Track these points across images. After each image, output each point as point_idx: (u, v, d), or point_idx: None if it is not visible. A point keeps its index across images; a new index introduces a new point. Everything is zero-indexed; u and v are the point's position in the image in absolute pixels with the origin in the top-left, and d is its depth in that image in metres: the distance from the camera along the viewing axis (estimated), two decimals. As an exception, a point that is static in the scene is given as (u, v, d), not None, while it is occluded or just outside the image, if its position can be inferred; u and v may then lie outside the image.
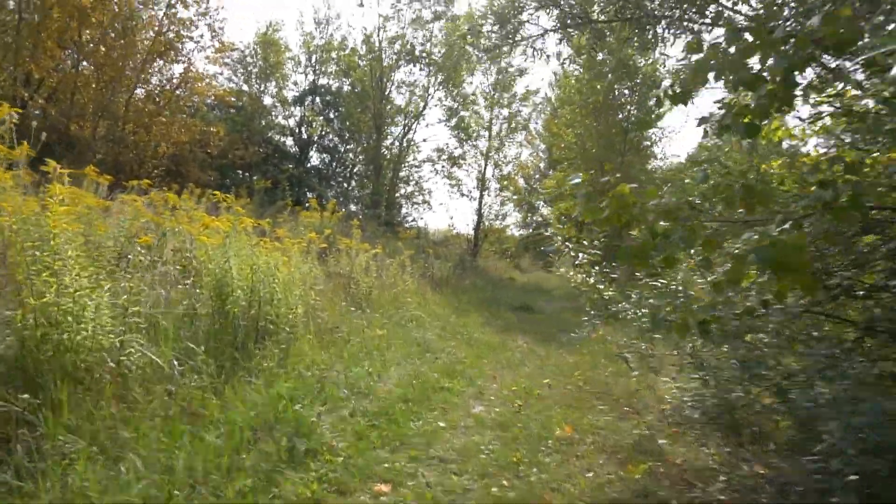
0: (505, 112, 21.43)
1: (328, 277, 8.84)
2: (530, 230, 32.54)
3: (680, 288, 4.01)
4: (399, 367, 5.90)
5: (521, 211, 29.35)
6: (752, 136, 3.10)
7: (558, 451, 4.35)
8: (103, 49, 17.21)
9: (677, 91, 3.44)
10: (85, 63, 17.53)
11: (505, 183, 21.88)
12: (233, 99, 23.13)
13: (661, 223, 3.27)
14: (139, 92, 18.22)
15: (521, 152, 24.24)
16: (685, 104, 3.53)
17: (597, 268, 4.87)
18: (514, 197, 24.25)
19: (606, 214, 3.11)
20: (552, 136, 18.93)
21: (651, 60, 16.68)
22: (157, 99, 18.83)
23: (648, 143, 16.98)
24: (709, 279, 3.39)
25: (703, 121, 3.52)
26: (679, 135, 58.95)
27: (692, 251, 3.30)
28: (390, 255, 11.34)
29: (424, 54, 22.83)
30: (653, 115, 16.76)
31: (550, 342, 9.40)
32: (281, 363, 4.82)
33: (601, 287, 4.80)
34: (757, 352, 3.52)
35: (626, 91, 16.64)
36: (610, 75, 16.81)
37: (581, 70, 17.34)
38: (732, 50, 3.06)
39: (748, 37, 3.02)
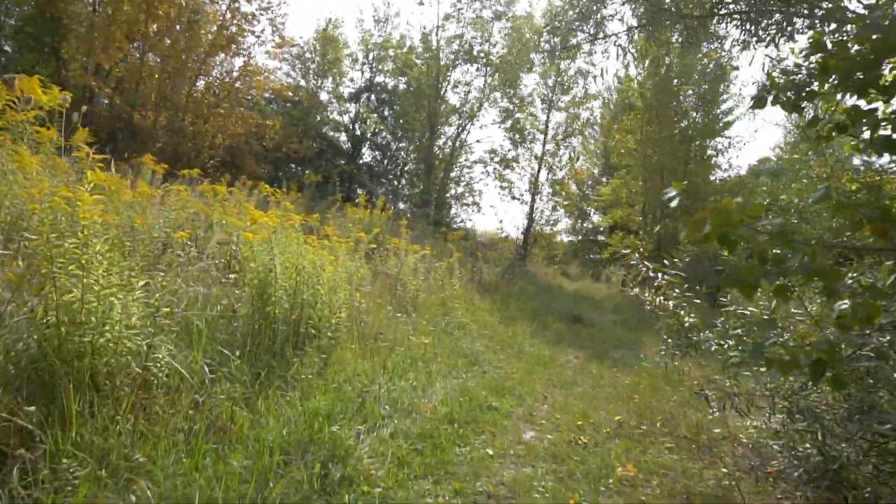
0: (562, 115, 20.81)
1: (374, 278, 8.50)
2: (580, 237, 31.78)
3: (781, 319, 3.45)
4: (445, 381, 5.46)
5: (572, 217, 28.61)
6: (892, 152, 2.58)
7: (620, 492, 3.85)
8: (168, 41, 17.40)
9: (789, 95, 2.94)
10: (151, 55, 17.74)
11: (558, 187, 21.22)
12: (290, 94, 23.18)
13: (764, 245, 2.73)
14: (200, 84, 18.36)
15: (577, 157, 23.45)
16: (799, 112, 3.03)
17: (677, 290, 4.31)
18: (566, 203, 23.57)
19: (706, 232, 2.61)
20: (612, 142, 18.22)
21: (717, 63, 15.84)
22: (217, 91, 18.94)
23: (713, 152, 16.12)
24: (823, 312, 2.83)
25: (812, 123, 3.01)
26: (748, 145, 56.81)
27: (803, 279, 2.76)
28: (438, 257, 10.94)
29: (482, 54, 22.40)
30: (720, 124, 15.91)
31: (603, 359, 8.82)
32: (320, 373, 4.44)
33: (681, 313, 4.25)
34: (877, 401, 2.94)
35: (692, 96, 15.83)
36: (675, 80, 16.04)
37: (643, 74, 16.62)
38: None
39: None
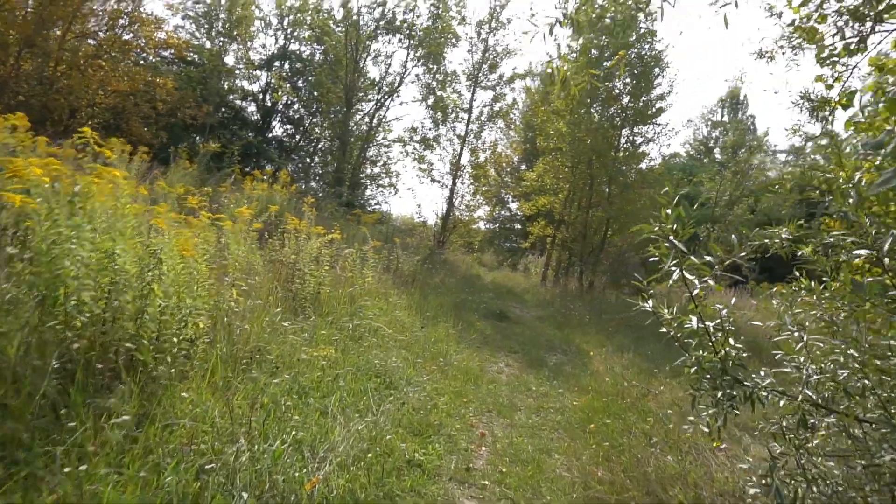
0: (488, 94, 19.29)
1: (267, 267, 6.61)
2: (497, 224, 30.69)
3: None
4: (347, 425, 3.71)
5: (490, 204, 27.36)
6: None
7: None
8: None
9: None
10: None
11: (480, 171, 19.75)
12: (191, 53, 20.42)
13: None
14: (76, 28, 15.38)
15: (500, 140, 22.08)
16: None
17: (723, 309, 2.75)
18: (485, 189, 22.16)
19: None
20: (539, 124, 16.93)
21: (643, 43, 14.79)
22: (98, 40, 16.02)
23: (643, 139, 15.14)
24: None
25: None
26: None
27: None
28: (349, 242, 9.13)
29: (406, 25, 20.51)
30: (653, 109, 14.87)
31: (540, 368, 7.35)
32: (130, 437, 2.58)
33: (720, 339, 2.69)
34: None
35: (628, 79, 14.70)
36: (607, 62, 14.82)
37: (578, 53, 15.31)
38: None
39: None
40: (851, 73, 5.27)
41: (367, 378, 4.86)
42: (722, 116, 37.13)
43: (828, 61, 5.29)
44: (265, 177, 12.20)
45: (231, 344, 4.16)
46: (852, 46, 5.16)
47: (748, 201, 15.60)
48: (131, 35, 16.57)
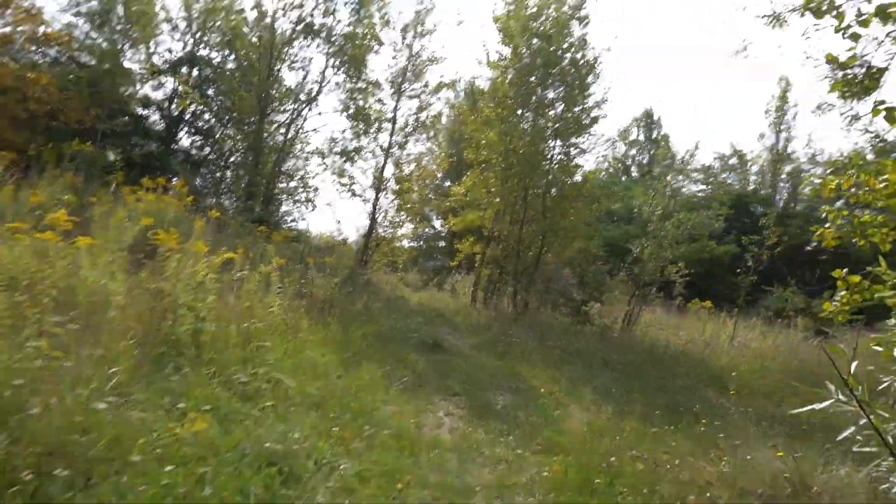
0: (413, 103, 17.82)
1: (133, 299, 4.81)
2: (421, 242, 29.32)
3: None
4: None
5: (414, 221, 25.85)
6: None
7: None
8: None
9: None
10: None
11: (406, 185, 18.21)
12: (84, 54, 17.89)
13: None
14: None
15: (425, 153, 20.65)
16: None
17: None
18: (409, 206, 20.59)
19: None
20: (469, 134, 15.67)
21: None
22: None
23: (577, 150, 14.10)
24: None
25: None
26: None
27: None
28: (253, 263, 7.35)
29: (325, 29, 18.80)
30: (588, 119, 13.86)
31: (489, 416, 5.85)
32: None
33: None
34: None
35: (558, 86, 13.65)
36: (539, 70, 13.76)
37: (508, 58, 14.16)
38: None
39: None
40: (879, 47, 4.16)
41: (255, 470, 3.17)
42: (637, 135, 37.45)
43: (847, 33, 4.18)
44: (156, 187, 10.21)
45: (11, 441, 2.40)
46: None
47: (679, 216, 14.84)
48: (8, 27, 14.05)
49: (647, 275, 14.98)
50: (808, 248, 26.11)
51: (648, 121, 36.24)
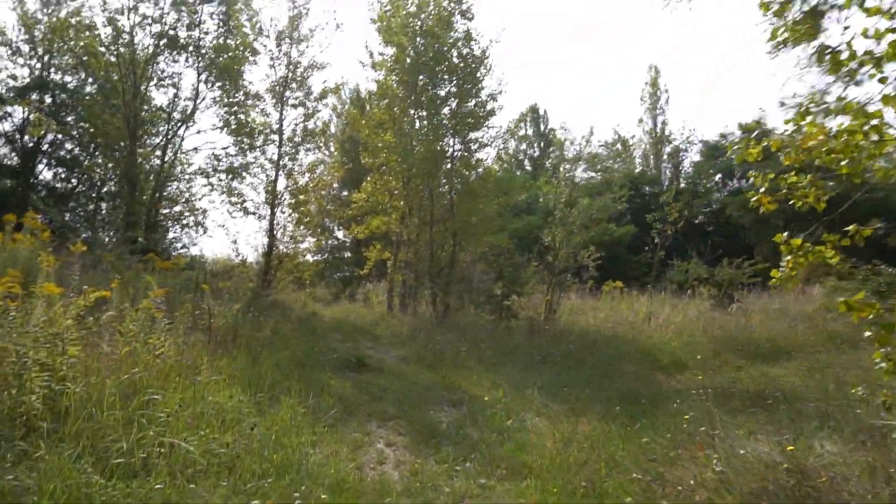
0: (299, 112, 16.56)
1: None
2: (326, 255, 27.94)
3: None
4: None
5: (316, 234, 24.46)
6: None
7: None
8: None
9: None
10: None
11: (303, 196, 16.93)
12: None
13: None
14: None
15: (318, 162, 19.38)
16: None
17: None
18: (307, 219, 19.27)
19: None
20: (365, 138, 14.73)
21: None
22: None
23: (476, 146, 13.57)
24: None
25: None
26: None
27: None
28: (136, 299, 6.07)
29: (191, 42, 17.15)
30: (483, 112, 13.35)
31: (436, 441, 5.01)
32: None
33: None
34: None
35: (454, 80, 13.05)
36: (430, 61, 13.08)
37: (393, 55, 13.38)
38: None
39: None
40: None
41: None
42: (526, 130, 37.95)
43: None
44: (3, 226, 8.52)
45: None
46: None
47: (583, 202, 14.71)
48: None
49: (561, 262, 14.73)
50: (695, 221, 27.44)
51: (535, 115, 36.82)
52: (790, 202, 4.80)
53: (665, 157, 32.00)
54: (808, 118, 3.96)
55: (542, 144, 36.59)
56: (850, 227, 3.99)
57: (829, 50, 3.81)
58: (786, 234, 4.43)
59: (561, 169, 18.28)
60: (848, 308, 3.81)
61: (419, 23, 13.37)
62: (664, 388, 6.91)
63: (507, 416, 5.63)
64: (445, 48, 13.14)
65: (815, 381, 7.08)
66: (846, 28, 3.48)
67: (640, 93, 33.06)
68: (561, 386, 6.83)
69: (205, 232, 19.23)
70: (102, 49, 17.47)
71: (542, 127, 37.24)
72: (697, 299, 17.59)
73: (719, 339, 10.58)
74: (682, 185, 29.81)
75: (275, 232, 16.74)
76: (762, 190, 4.80)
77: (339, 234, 27.87)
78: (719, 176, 29.40)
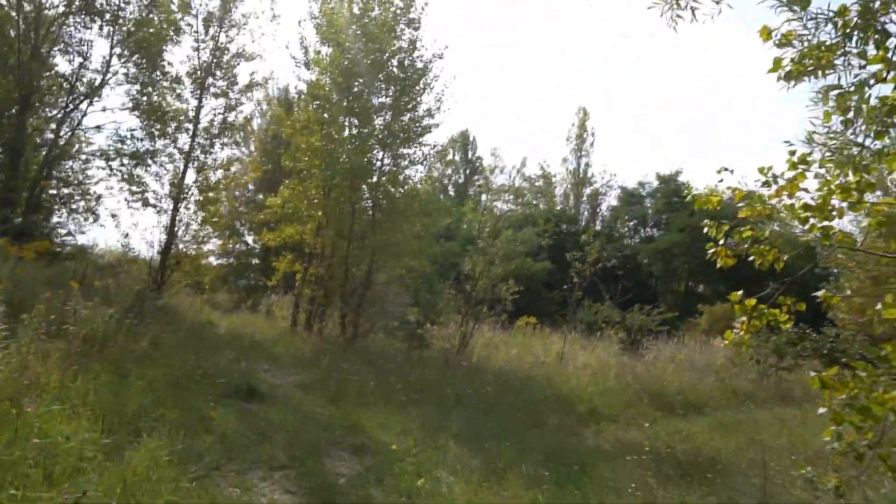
0: (220, 102, 15.18)
1: None
2: (231, 259, 26.13)
3: None
4: None
5: (223, 237, 22.70)
6: None
7: None
8: None
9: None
10: None
11: (212, 195, 15.46)
12: None
13: None
14: None
15: (235, 159, 17.92)
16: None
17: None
18: (215, 219, 17.71)
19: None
20: (287, 138, 13.64)
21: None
22: None
23: (407, 162, 12.79)
24: None
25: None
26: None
27: None
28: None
29: (109, 9, 15.44)
30: (419, 127, 12.65)
31: (335, 501, 4.10)
32: None
33: None
34: None
35: (391, 90, 12.27)
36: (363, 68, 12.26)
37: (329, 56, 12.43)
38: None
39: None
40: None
41: None
42: (454, 156, 37.76)
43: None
44: None
45: None
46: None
47: (507, 233, 14.33)
48: None
49: (479, 292, 14.17)
50: (608, 264, 27.92)
51: (465, 141, 36.70)
52: (749, 258, 4.28)
53: (585, 197, 32.61)
54: (801, 167, 3.49)
55: (468, 171, 36.47)
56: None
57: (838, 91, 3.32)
58: (740, 292, 3.94)
59: (486, 196, 17.92)
60: (822, 385, 3.32)
61: (364, 23, 12.55)
62: (589, 444, 6.34)
63: (418, 473, 4.80)
64: (387, 55, 12.37)
65: (737, 444, 6.77)
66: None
67: (567, 133, 33.75)
68: (478, 435, 6.09)
69: (95, 220, 17.22)
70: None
71: (469, 154, 37.16)
72: (606, 341, 17.58)
73: (632, 388, 10.27)
74: (598, 227, 30.41)
75: (176, 229, 15.15)
76: (721, 243, 4.27)
77: (249, 239, 26.18)
78: (633, 222, 30.33)
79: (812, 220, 3.56)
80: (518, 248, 15.05)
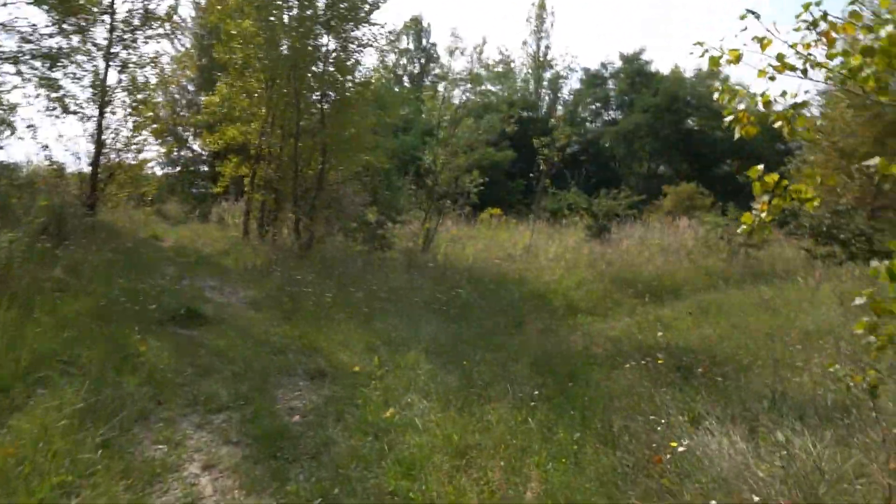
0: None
1: None
2: (178, 168, 24.34)
3: None
4: None
5: (165, 144, 20.79)
6: None
7: None
8: None
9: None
10: None
11: (141, 97, 13.65)
12: None
13: None
14: None
15: (163, 54, 15.83)
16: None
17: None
18: (153, 126, 15.86)
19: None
20: (215, 24, 11.89)
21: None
22: None
23: (355, 44, 11.25)
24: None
25: None
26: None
27: None
28: None
29: None
30: (366, 6, 11.03)
31: (287, 449, 3.38)
32: None
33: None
34: None
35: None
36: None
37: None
38: None
39: None
40: None
41: None
42: (408, 43, 35.21)
43: None
44: None
45: None
46: None
47: (468, 121, 13.22)
48: None
49: (441, 186, 13.24)
50: (572, 150, 27.03)
51: (418, 27, 34.06)
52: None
53: (545, 82, 31.04)
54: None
55: (423, 60, 34.14)
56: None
57: None
58: (761, 166, 3.16)
59: (444, 84, 16.45)
60: (891, 277, 2.60)
61: None
62: (577, 347, 5.73)
63: (386, 401, 4.09)
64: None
65: (723, 331, 6.29)
66: None
67: (527, 14, 31.49)
68: (451, 346, 5.41)
69: (12, 133, 15.27)
70: None
71: (424, 41, 34.65)
72: (572, 229, 17.06)
73: (607, 277, 9.76)
74: (560, 111, 29.18)
75: (104, 137, 13.47)
76: (741, 107, 3.37)
77: (196, 144, 24.28)
78: (595, 105, 29.13)
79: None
80: (481, 136, 14.02)
